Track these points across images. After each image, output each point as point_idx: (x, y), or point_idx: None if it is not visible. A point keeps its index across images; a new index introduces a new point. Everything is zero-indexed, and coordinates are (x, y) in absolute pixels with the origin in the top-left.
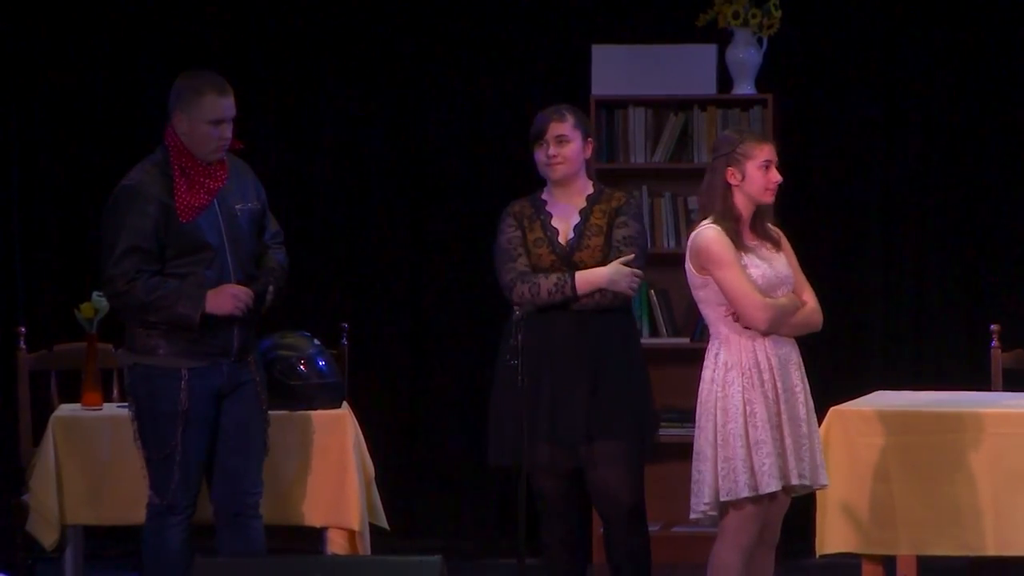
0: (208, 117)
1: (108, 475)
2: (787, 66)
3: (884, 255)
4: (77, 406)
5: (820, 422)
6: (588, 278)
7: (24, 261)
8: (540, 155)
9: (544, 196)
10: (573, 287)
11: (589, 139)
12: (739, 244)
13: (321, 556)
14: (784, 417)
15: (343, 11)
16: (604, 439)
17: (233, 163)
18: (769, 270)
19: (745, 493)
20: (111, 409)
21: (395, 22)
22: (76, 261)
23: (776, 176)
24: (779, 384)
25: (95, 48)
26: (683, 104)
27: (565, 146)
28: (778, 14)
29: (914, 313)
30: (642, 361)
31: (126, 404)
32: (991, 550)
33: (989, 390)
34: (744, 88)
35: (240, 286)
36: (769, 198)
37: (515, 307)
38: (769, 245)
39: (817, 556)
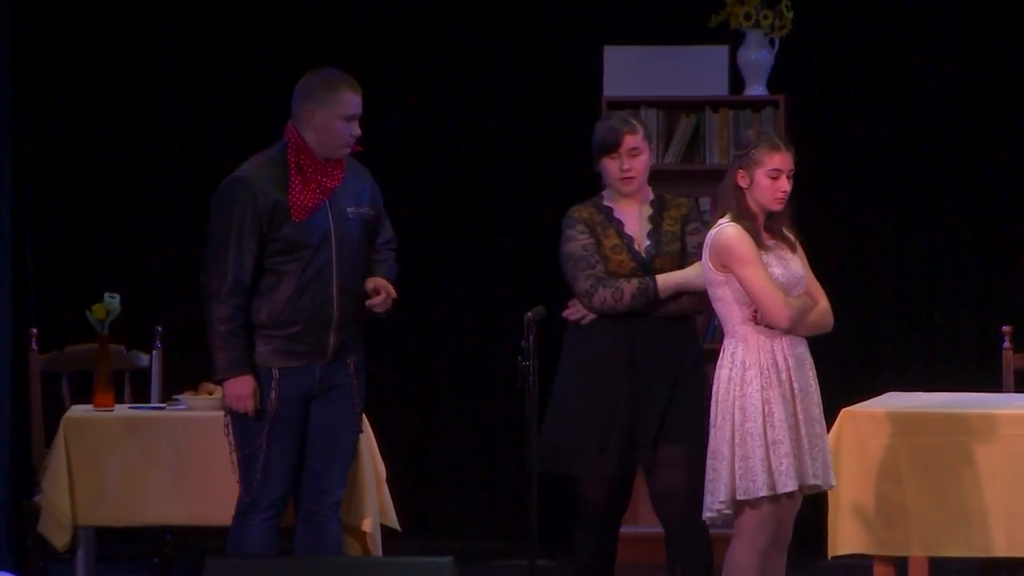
0: (342, 112)
1: (120, 476)
2: (799, 67)
3: (896, 256)
4: (89, 407)
5: (831, 423)
6: (669, 281)
7: (36, 262)
8: (612, 168)
9: (607, 203)
10: (656, 290)
11: (651, 145)
12: (759, 243)
13: (333, 557)
14: (801, 417)
15: (351, 12)
16: (674, 443)
17: (353, 166)
18: (786, 271)
19: (763, 492)
20: (123, 410)
21: (406, 23)
22: (88, 262)
23: (783, 186)
24: (796, 384)
25: (107, 49)
26: (695, 105)
27: (638, 158)
28: (790, 15)
29: (926, 314)
30: (703, 365)
31: (138, 405)
32: (1003, 551)
33: (1001, 391)
34: (756, 89)
35: (252, 400)
36: (775, 207)
37: (563, 314)
38: (785, 247)
39: (829, 557)
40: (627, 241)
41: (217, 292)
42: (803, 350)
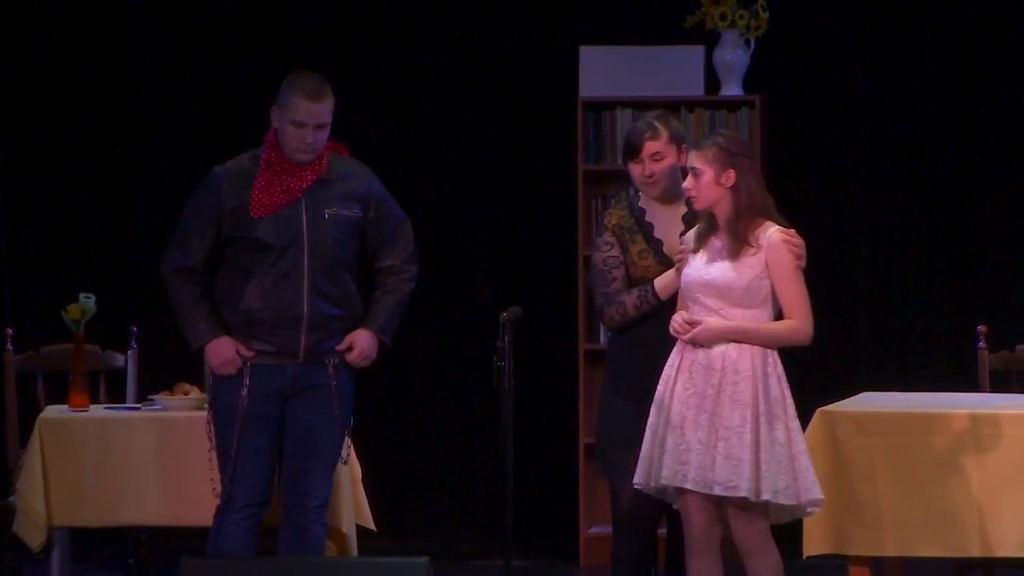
0: (291, 117)
1: (95, 477)
2: (775, 67)
3: (871, 256)
4: (64, 408)
5: (806, 424)
6: (666, 279)
7: (11, 262)
8: (636, 172)
9: (642, 204)
10: (654, 294)
11: (684, 146)
12: (701, 241)
13: (308, 557)
14: (677, 419)
15: (328, 12)
16: None
17: (342, 167)
18: (694, 273)
19: (636, 482)
20: (98, 411)
21: (382, 23)
22: (63, 262)
23: (688, 183)
24: (691, 387)
25: (86, 48)
26: (671, 106)
27: (661, 162)
28: (765, 15)
29: (901, 314)
30: None
31: (113, 406)
32: (977, 551)
33: (976, 391)
34: (732, 89)
35: (238, 358)
36: (695, 206)
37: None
38: (730, 250)
39: (803, 557)
40: (655, 245)
41: (172, 273)
42: (715, 354)
